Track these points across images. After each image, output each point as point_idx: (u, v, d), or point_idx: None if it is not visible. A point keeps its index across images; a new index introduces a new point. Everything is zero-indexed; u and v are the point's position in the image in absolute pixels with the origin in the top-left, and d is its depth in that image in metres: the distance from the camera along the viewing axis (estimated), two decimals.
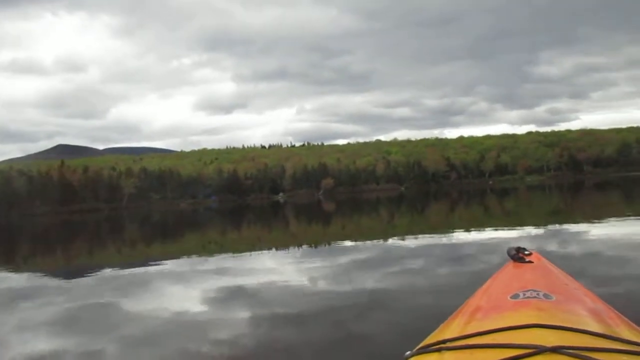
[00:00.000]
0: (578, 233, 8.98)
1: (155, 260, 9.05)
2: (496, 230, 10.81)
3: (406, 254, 7.82)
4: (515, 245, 2.21)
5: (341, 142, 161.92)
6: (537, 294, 1.48)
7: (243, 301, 4.99)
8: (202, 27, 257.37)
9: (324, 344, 3.41)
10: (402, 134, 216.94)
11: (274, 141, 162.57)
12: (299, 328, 3.88)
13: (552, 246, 7.29)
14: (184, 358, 3.34)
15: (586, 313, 1.41)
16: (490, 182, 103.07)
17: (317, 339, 3.53)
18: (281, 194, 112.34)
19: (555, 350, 1.11)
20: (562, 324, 1.24)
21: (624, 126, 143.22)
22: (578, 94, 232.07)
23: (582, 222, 11.09)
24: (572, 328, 1.22)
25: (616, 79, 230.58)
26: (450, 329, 1.49)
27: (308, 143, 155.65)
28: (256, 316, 4.28)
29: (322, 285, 5.63)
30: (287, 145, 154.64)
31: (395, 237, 10.79)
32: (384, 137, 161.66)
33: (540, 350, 1.11)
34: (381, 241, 10.21)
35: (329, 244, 10.34)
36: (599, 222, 10.58)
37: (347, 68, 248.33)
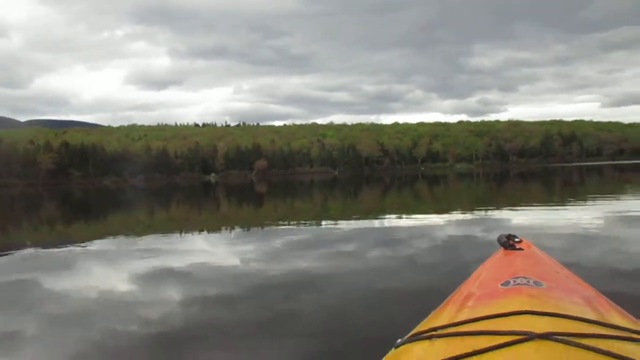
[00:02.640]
0: (501, 219, 9.44)
1: (79, 240, 8.62)
2: (426, 215, 11.16)
3: (339, 237, 7.89)
4: (506, 232, 2.22)
5: (277, 123, 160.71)
6: (528, 281, 1.48)
7: (173, 282, 4.86)
8: None
9: (253, 323, 3.41)
10: (339, 118, 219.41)
11: (210, 120, 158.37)
12: (229, 308, 3.84)
13: (478, 232, 7.60)
14: (111, 337, 3.21)
15: (577, 300, 1.42)
16: (422, 169, 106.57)
17: (246, 319, 3.52)
18: (212, 174, 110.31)
19: (545, 336, 1.11)
20: (552, 311, 1.24)
21: (547, 119, 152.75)
22: (507, 87, 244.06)
23: (506, 208, 11.68)
24: (562, 314, 1.23)
25: (543, 74, 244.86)
26: (441, 317, 1.49)
27: (244, 123, 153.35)
28: (187, 297, 4.19)
29: (254, 266, 5.57)
30: (222, 125, 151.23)
31: (328, 220, 10.88)
32: (320, 121, 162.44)
33: (531, 336, 1.11)
34: (314, 224, 10.25)
35: (262, 226, 10.25)
36: (522, 209, 11.20)
37: (287, 49, 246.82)
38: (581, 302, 1.41)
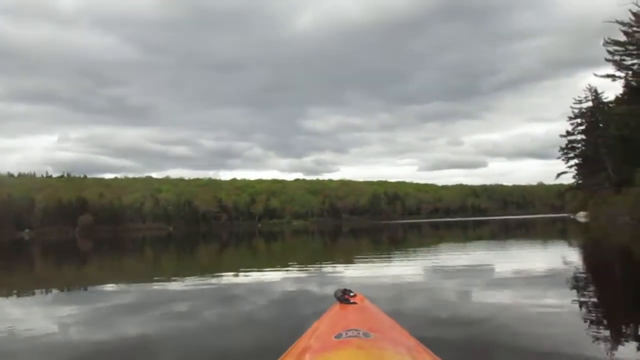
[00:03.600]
0: (337, 274, 9.86)
1: None
2: (264, 271, 11.17)
3: (173, 296, 7.47)
4: (342, 287, 2.33)
5: (108, 176, 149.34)
6: (358, 333, 1.63)
7: None
8: None
9: None
10: (177, 173, 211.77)
11: (28, 170, 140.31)
12: None
13: (315, 287, 7.81)
14: None
15: (399, 349, 1.58)
16: (259, 225, 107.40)
17: None
18: (26, 230, 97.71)
19: None
20: None
21: (375, 180, 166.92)
22: (340, 149, 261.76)
23: (340, 263, 12.26)
24: None
25: (371, 139, 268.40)
26: None
27: (68, 175, 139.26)
28: None
29: (75, 332, 4.98)
30: (42, 175, 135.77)
31: (160, 279, 10.28)
32: (156, 175, 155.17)
33: None
34: (145, 283, 9.59)
35: (85, 288, 9.25)
36: (355, 264, 11.85)
37: (124, 99, 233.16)
38: (403, 352, 1.58)
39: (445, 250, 16.24)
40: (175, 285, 8.97)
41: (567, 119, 52.91)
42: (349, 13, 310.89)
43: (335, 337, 1.62)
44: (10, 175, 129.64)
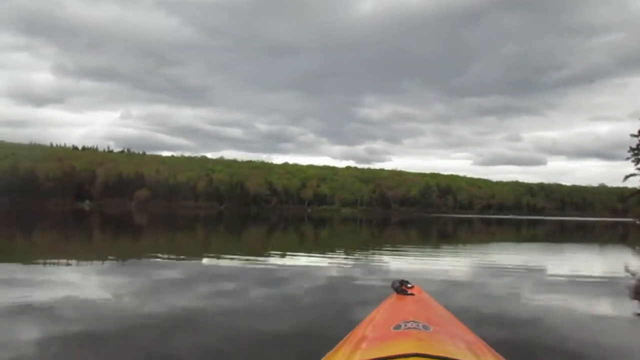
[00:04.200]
0: (391, 265, 9.79)
1: None
2: (309, 257, 11.25)
3: (221, 274, 7.65)
4: (399, 278, 2.32)
5: (165, 154, 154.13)
6: (417, 325, 1.61)
7: (32, 318, 4.33)
8: (21, 6, 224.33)
9: None
10: (230, 154, 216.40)
11: (91, 144, 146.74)
12: (93, 349, 3.47)
13: (373, 277, 7.79)
14: None
15: (459, 344, 1.57)
16: (309, 210, 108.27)
17: None
18: (87, 202, 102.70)
19: None
20: (437, 354, 1.37)
21: (427, 172, 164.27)
22: (393, 138, 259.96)
23: (393, 255, 12.17)
24: (446, 357, 1.36)
25: (425, 130, 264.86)
26: (335, 359, 1.58)
27: (128, 150, 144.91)
28: (46, 335, 3.73)
29: (126, 302, 5.17)
30: (104, 150, 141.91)
31: (211, 256, 10.55)
32: (211, 155, 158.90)
33: None
34: (196, 259, 9.87)
35: (139, 259, 9.63)
36: (410, 256, 11.74)
37: (182, 80, 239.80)
38: (463, 346, 1.55)
39: (497, 247, 15.81)
40: (224, 264, 9.17)
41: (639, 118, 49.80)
42: (409, 1, 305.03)
43: (394, 328, 1.63)
44: (75, 148, 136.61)
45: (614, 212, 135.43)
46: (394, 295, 2.24)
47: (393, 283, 2.32)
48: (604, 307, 5.55)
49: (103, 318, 4.39)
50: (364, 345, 1.59)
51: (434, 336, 1.54)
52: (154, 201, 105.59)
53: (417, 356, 1.34)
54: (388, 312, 1.97)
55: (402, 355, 1.36)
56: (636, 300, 6.27)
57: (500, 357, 1.63)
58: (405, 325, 1.62)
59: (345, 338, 1.83)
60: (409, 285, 2.29)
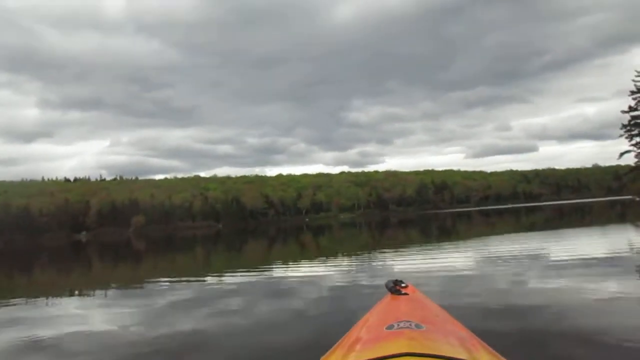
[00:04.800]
0: (387, 265, 9.76)
1: None
2: (314, 264, 11.22)
3: (225, 292, 7.60)
4: (393, 278, 2.31)
5: (158, 177, 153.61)
6: (410, 324, 1.62)
7: (40, 355, 4.29)
8: (3, 44, 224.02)
9: None
10: (223, 171, 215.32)
11: (83, 175, 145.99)
12: None
13: (366, 278, 7.76)
14: None
15: (452, 341, 1.57)
16: (307, 220, 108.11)
17: None
18: (84, 233, 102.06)
19: None
20: (430, 352, 1.37)
21: (421, 169, 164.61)
22: (384, 140, 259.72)
23: (391, 254, 12.14)
24: (438, 355, 1.36)
25: (414, 128, 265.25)
26: None
27: (120, 177, 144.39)
28: None
29: (133, 331, 5.13)
30: (96, 179, 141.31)
31: (213, 276, 10.49)
32: (204, 174, 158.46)
33: None
34: (198, 280, 9.81)
35: (141, 286, 9.55)
36: (406, 255, 11.72)
37: (169, 102, 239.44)
38: (456, 343, 1.56)
39: (498, 238, 15.83)
40: (227, 282, 9.13)
41: (630, 93, 49.34)
42: (388, 2, 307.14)
43: (386, 328, 1.63)
44: (67, 181, 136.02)
45: (610, 191, 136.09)
46: (389, 296, 2.25)
47: (387, 283, 2.32)
48: (612, 286, 5.54)
49: (112, 348, 4.36)
50: (357, 347, 1.60)
51: (426, 335, 1.55)
52: (150, 226, 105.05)
53: (409, 355, 1.35)
54: (382, 313, 1.97)
55: (394, 355, 1.36)
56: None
57: (494, 352, 1.64)
58: (398, 325, 1.63)
59: (339, 341, 1.84)
60: (402, 285, 2.29)
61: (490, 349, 1.65)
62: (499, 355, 1.62)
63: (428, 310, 1.98)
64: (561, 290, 5.53)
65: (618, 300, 4.81)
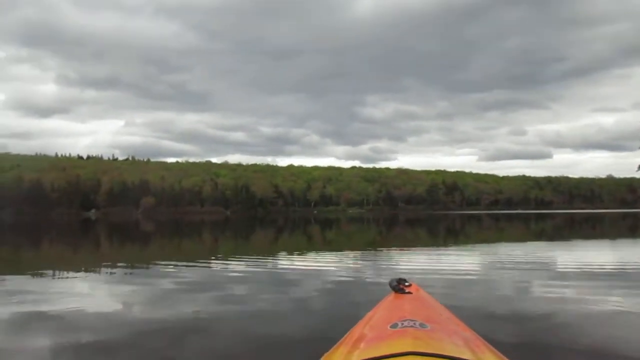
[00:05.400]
0: (392, 263, 9.76)
1: None
2: (316, 258, 11.24)
3: (229, 279, 7.65)
4: (396, 277, 2.31)
5: (170, 160, 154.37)
6: (414, 323, 1.62)
7: (44, 328, 4.36)
8: (24, 19, 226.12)
9: None
10: (235, 158, 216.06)
11: (97, 153, 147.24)
12: (105, 358, 3.50)
13: (370, 275, 7.76)
14: None
15: (456, 341, 1.57)
16: (315, 212, 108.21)
17: None
18: (93, 211, 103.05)
19: None
20: (434, 352, 1.37)
21: (432, 169, 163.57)
22: (397, 137, 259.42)
23: (396, 253, 12.13)
24: (443, 355, 1.36)
25: (429, 127, 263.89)
26: (333, 358, 1.59)
27: (133, 158, 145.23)
28: (59, 345, 3.76)
29: (137, 310, 5.20)
30: (109, 158, 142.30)
31: (218, 262, 10.57)
32: (216, 159, 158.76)
33: None
34: (203, 265, 9.88)
35: (147, 267, 9.64)
36: (412, 254, 11.71)
37: (185, 85, 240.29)
38: (460, 344, 1.56)
39: (506, 243, 15.73)
40: (232, 268, 9.18)
41: None
42: None
43: (390, 327, 1.62)
44: (80, 158, 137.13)
45: (624, 203, 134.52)
46: (392, 294, 2.25)
47: (391, 282, 2.32)
48: (617, 299, 5.49)
49: (115, 326, 4.41)
50: (361, 344, 1.60)
51: (430, 334, 1.55)
52: (159, 208, 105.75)
53: (414, 354, 1.35)
54: (386, 311, 1.97)
55: (398, 354, 1.36)
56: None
57: (498, 353, 1.63)
58: (402, 324, 1.63)
59: (342, 338, 1.84)
60: (406, 284, 2.29)
61: (495, 350, 1.65)
62: (503, 357, 1.61)
63: (432, 310, 1.97)
64: (566, 300, 5.49)
65: (621, 315, 4.78)
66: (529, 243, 15.76)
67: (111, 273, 8.71)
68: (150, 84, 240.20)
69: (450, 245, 15.06)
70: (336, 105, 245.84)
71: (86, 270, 9.07)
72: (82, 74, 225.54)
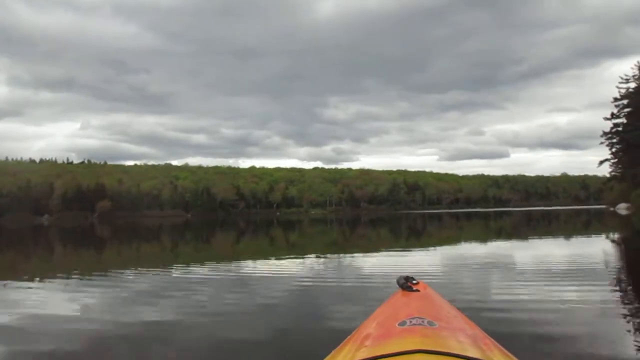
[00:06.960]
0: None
1: None
2: (279, 261, 11.16)
3: (190, 284, 7.50)
4: (404, 274, 2.29)
5: (128, 163, 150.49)
6: (422, 321, 1.61)
7: None
8: None
9: None
10: (196, 161, 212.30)
11: (52, 156, 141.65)
12: None
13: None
14: None
15: (464, 339, 1.56)
16: (278, 214, 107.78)
17: None
18: (46, 216, 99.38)
19: None
20: (443, 350, 1.35)
21: (394, 169, 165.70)
22: (359, 138, 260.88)
23: (357, 253, 12.18)
24: (451, 353, 1.35)
25: (390, 128, 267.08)
26: (340, 356, 1.58)
27: (88, 161, 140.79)
28: (15, 356, 3.64)
29: (95, 317, 5.02)
30: (63, 162, 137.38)
31: (179, 266, 10.38)
32: (176, 162, 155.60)
33: None
34: (165, 270, 9.64)
35: (105, 274, 9.30)
36: (371, 254, 11.77)
37: (144, 87, 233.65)
38: (468, 342, 1.54)
39: (467, 241, 16.05)
40: (193, 273, 9.03)
41: (612, 100, 48.17)
42: (370, 1, 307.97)
43: (398, 325, 1.61)
44: (32, 161, 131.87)
45: (578, 200, 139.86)
46: (399, 292, 2.23)
47: (398, 279, 2.32)
48: (573, 295, 5.64)
49: (74, 335, 4.24)
50: (368, 342, 1.58)
51: (439, 332, 1.54)
52: (116, 212, 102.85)
53: (422, 352, 1.34)
54: (393, 309, 1.96)
55: (407, 352, 1.35)
56: (614, 286, 6.34)
57: (507, 352, 1.62)
58: (410, 322, 1.62)
59: (350, 335, 1.82)
60: (414, 282, 2.27)
61: (503, 349, 1.64)
62: (512, 356, 1.60)
63: (440, 308, 1.97)
64: (527, 296, 5.61)
65: (582, 310, 4.91)
66: (490, 241, 16.12)
67: (67, 281, 8.35)
68: (107, 85, 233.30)
69: (414, 244, 15.24)
70: (298, 107, 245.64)
71: (40, 279, 8.67)
72: (36, 75, 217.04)
